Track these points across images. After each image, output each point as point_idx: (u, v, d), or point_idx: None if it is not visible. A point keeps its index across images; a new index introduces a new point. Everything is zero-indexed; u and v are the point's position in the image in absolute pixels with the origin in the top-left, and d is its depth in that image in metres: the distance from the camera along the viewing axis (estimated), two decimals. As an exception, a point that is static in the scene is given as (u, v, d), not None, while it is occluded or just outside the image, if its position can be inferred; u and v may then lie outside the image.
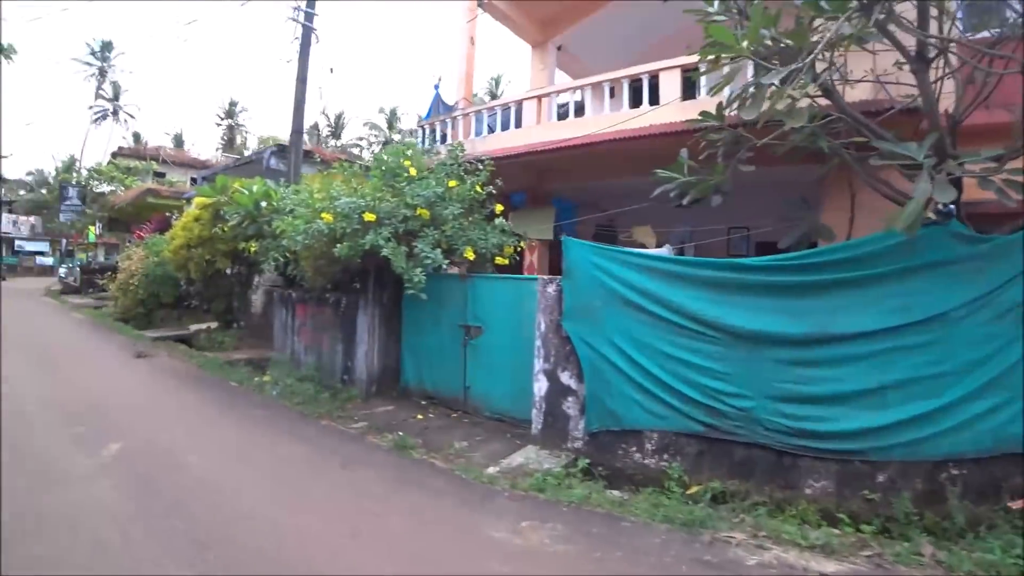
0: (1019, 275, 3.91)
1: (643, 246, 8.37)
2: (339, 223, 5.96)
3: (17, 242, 43.04)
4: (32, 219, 43.13)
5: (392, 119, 40.38)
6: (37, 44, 68.12)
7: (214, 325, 11.30)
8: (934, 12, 4.27)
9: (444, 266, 6.11)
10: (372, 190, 6.33)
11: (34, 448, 4.83)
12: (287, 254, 7.35)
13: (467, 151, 7.80)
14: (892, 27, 3.94)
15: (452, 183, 6.53)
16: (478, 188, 6.81)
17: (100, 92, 44.63)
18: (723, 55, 4.17)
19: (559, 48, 11.48)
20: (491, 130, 10.23)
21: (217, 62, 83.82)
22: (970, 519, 3.67)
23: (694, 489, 4.26)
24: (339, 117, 44.77)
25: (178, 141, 44.23)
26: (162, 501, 3.85)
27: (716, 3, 4.94)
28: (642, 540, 3.46)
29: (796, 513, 3.89)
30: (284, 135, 44.11)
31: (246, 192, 8.03)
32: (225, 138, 48.13)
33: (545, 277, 5.32)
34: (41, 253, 42.18)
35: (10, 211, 42.48)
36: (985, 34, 4.79)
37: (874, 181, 5.08)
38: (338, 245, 5.86)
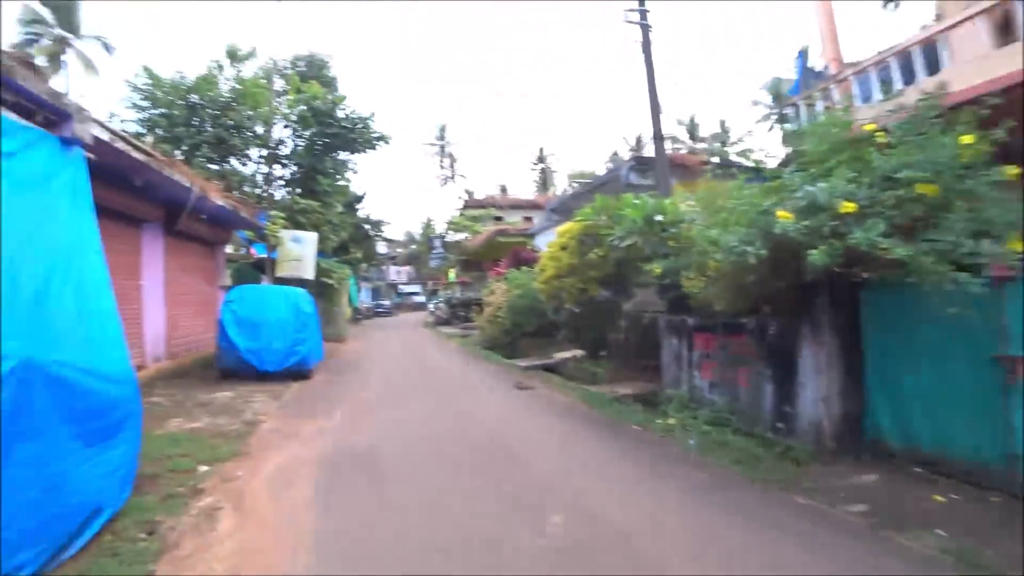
0: None
1: None
2: (804, 221, 4.43)
3: (399, 286, 59.65)
4: (408, 268, 57.72)
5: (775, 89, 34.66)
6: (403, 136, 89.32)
7: (579, 354, 11.15)
8: None
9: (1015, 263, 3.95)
10: (841, 170, 4.62)
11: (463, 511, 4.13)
12: (686, 275, 6.26)
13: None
14: None
15: (966, 138, 4.35)
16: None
17: (442, 164, 54.90)
18: None
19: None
20: (886, 91, 7.51)
21: (528, 118, 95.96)
22: None
23: None
24: (692, 119, 41.73)
25: (503, 189, 50.92)
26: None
27: None
28: None
29: None
30: (588, 169, 46.86)
31: (630, 207, 7.23)
32: (539, 180, 53.45)
33: None
34: (415, 293, 55.64)
35: (393, 263, 57.43)
36: None
37: None
38: (813, 252, 4.30)
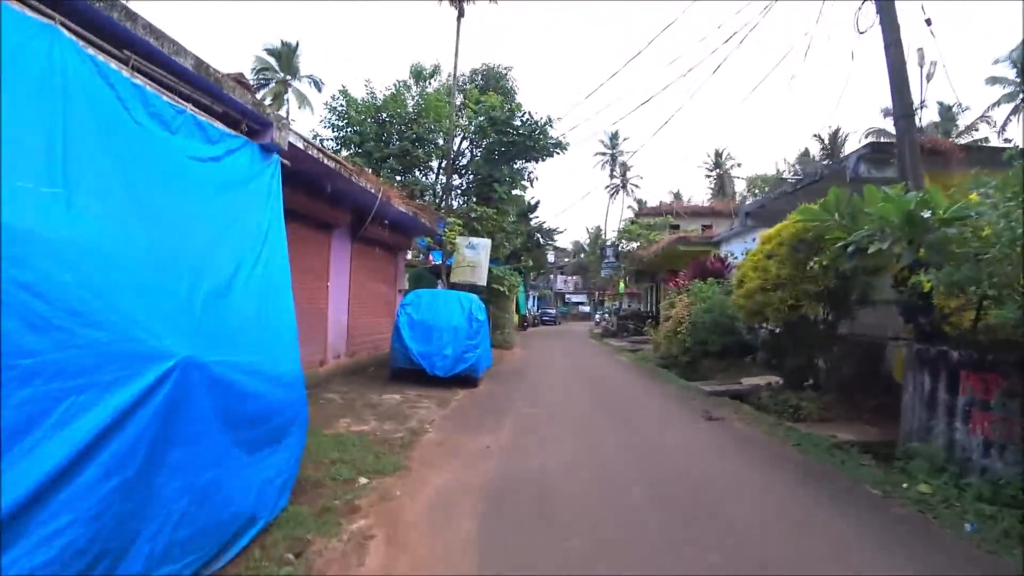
0: None
1: None
2: None
3: (566, 295, 60.55)
4: (575, 278, 58.03)
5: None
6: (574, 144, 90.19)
7: (775, 381, 9.38)
8: None
9: None
10: None
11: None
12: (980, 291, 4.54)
13: None
14: None
15: None
16: None
17: (612, 173, 53.50)
18: None
19: None
20: None
21: (702, 121, 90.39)
22: None
23: None
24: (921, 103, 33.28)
25: (677, 196, 48.08)
26: None
27: None
28: None
29: None
30: (770, 173, 41.45)
31: (882, 201, 5.46)
32: (715, 186, 49.49)
33: None
34: (581, 303, 55.52)
35: (562, 273, 57.96)
36: None
37: None
38: None
